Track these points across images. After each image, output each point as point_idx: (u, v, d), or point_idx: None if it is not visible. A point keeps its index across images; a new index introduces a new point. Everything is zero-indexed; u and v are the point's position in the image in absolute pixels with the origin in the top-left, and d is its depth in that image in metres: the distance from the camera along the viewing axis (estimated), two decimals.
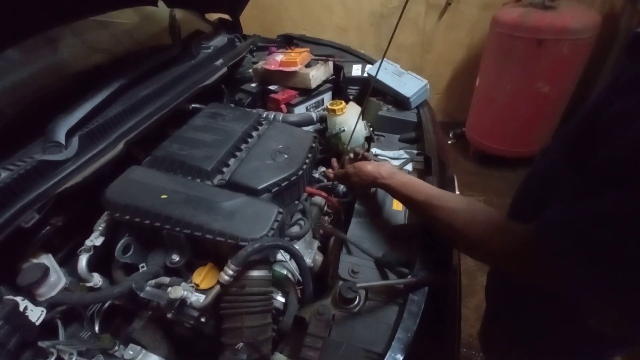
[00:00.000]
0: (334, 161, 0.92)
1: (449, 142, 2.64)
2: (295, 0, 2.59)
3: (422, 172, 0.85)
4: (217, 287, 0.59)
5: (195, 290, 0.65)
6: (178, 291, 0.59)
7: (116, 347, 0.67)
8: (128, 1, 1.04)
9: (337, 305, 0.55)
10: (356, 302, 0.55)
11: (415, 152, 0.95)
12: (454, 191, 0.92)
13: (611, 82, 0.44)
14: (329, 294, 0.58)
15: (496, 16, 1.87)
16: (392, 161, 0.91)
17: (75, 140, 0.71)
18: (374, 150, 0.93)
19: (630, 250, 0.32)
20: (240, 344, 0.55)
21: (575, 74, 1.80)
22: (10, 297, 0.62)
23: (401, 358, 0.46)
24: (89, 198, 0.78)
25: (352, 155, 0.89)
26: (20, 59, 0.83)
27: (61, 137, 0.72)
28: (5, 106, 0.74)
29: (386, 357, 0.45)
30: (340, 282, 0.58)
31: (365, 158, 0.84)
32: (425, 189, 0.60)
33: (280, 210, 0.70)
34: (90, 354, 0.66)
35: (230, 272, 0.58)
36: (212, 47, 1.16)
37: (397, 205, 0.78)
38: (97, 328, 0.72)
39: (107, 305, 0.75)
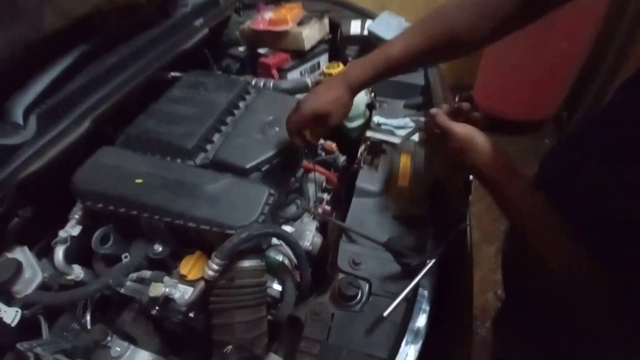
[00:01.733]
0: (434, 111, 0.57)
1: (455, 105, 2.49)
2: None
3: None
4: (202, 283, 0.53)
5: (182, 283, 0.59)
6: (158, 288, 0.53)
7: (109, 338, 0.62)
8: None
9: (336, 302, 0.49)
10: (358, 299, 0.48)
11: (422, 119, 0.85)
12: None
13: None
14: (328, 289, 0.51)
15: None
16: (396, 131, 0.81)
17: (32, 120, 0.62)
18: (375, 119, 0.83)
19: None
20: (229, 347, 0.49)
21: (591, 29, 1.63)
22: None
23: None
24: (63, 183, 0.70)
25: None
26: None
27: (18, 116, 0.63)
28: None
29: None
30: (340, 276, 0.51)
31: (473, 120, 0.57)
32: (536, 215, 0.44)
33: (272, 192, 0.62)
34: (77, 352, 0.61)
35: (215, 267, 0.51)
36: (190, 5, 1.02)
37: (403, 181, 0.69)
38: (89, 319, 0.67)
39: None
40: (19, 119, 0.63)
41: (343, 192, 0.92)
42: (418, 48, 0.53)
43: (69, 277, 0.67)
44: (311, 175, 0.88)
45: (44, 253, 0.71)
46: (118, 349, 0.61)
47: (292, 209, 0.79)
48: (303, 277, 0.61)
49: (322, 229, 0.82)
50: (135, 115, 0.76)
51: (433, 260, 0.47)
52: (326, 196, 0.88)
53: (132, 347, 0.62)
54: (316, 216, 0.74)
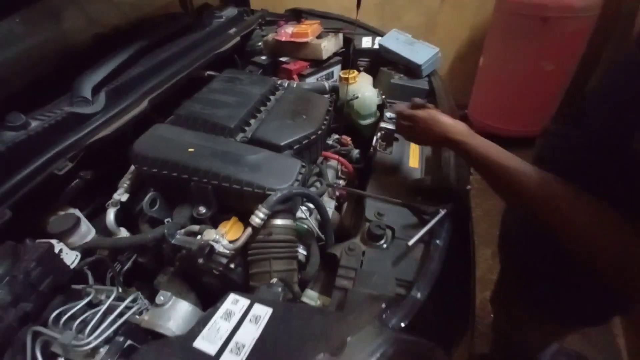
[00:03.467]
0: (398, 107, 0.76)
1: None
2: None
3: None
4: (249, 230, 0.62)
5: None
6: (210, 234, 0.61)
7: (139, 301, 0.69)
8: None
9: (365, 242, 0.58)
10: (384, 240, 0.58)
11: None
12: None
13: None
14: (357, 233, 0.61)
15: None
16: None
17: (102, 96, 0.73)
18: (388, 114, 0.95)
19: None
20: (275, 279, 0.57)
21: (579, 52, 1.83)
22: (43, 240, 0.64)
23: (429, 287, 0.49)
24: (111, 157, 0.80)
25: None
26: (43, 21, 0.84)
27: (87, 92, 0.74)
28: (32, 64, 0.75)
29: (416, 284, 0.48)
30: (367, 224, 0.61)
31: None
32: (514, 160, 0.53)
33: (303, 164, 0.73)
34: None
35: (262, 215, 0.60)
36: (224, 17, 1.16)
37: (413, 162, 0.80)
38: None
39: (127, 266, 0.76)
40: (88, 94, 0.74)
41: (356, 182, 1.03)
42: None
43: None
44: (330, 162, 0.98)
45: (90, 219, 0.80)
46: (162, 297, 0.68)
47: (313, 190, 0.89)
48: (328, 238, 0.70)
49: (340, 208, 0.91)
50: (177, 106, 0.87)
51: (444, 211, 0.57)
52: (342, 182, 0.99)
53: (174, 297, 0.69)
54: (336, 191, 0.83)
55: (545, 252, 0.63)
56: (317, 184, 0.92)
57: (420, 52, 1.07)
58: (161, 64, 0.87)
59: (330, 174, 0.97)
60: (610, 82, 0.55)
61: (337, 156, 0.97)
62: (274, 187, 0.66)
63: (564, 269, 0.62)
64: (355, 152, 1.04)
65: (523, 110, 2.00)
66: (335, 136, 1.09)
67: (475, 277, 0.69)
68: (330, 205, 0.87)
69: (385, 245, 0.57)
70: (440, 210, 0.57)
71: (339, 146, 1.05)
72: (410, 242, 0.52)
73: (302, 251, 0.75)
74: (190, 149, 0.71)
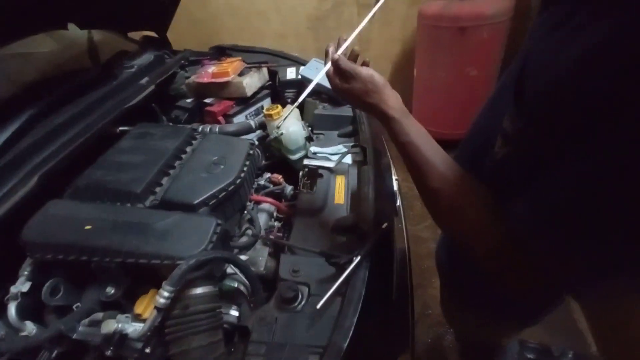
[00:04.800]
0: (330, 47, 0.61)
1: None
2: (229, 11, 2.56)
3: (361, 163, 0.87)
4: (154, 313, 0.56)
5: (136, 321, 0.61)
6: (110, 325, 0.55)
7: None
8: (34, 28, 0.96)
9: (279, 306, 0.54)
10: (298, 301, 0.54)
11: (351, 144, 0.97)
12: (391, 177, 0.94)
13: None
14: (272, 297, 0.57)
15: (421, 10, 1.97)
16: (331, 156, 0.92)
17: None
18: (312, 149, 0.93)
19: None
20: None
21: (497, 55, 1.95)
22: None
23: (344, 345, 0.46)
24: (11, 241, 0.71)
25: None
26: None
27: None
28: None
29: (329, 347, 0.45)
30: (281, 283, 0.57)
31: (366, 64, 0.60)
32: (437, 156, 0.50)
33: (219, 222, 0.68)
34: None
35: (166, 294, 0.55)
36: (135, 66, 1.11)
37: (339, 198, 0.78)
38: None
39: (54, 354, 0.68)
40: None
41: (294, 219, 1.00)
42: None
43: (22, 334, 0.66)
44: (262, 206, 0.95)
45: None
46: None
47: (244, 239, 0.85)
48: (256, 296, 0.66)
49: (276, 253, 0.87)
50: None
51: (359, 257, 0.55)
52: (277, 224, 0.95)
53: None
54: (266, 241, 0.80)
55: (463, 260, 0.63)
56: (249, 231, 0.87)
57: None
58: (57, 130, 0.80)
59: (263, 218, 0.93)
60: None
61: (268, 199, 0.93)
62: (184, 255, 0.61)
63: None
64: (289, 189, 1.01)
65: (456, 114, 2.10)
66: (267, 175, 1.06)
67: (414, 305, 0.67)
68: (263, 253, 0.83)
69: (299, 307, 0.54)
70: (354, 258, 0.54)
71: (271, 186, 1.02)
72: (319, 305, 0.49)
73: (233, 312, 0.70)
74: (88, 226, 0.64)
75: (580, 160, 0.31)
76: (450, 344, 1.37)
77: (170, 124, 1.23)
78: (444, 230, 0.53)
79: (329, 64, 0.58)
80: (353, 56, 0.62)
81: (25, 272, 0.69)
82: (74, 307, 0.67)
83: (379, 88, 0.55)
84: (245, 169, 0.83)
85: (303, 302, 0.54)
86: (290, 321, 0.52)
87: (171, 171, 0.80)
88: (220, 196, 0.75)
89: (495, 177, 0.46)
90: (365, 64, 0.59)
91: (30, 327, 0.67)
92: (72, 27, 1.12)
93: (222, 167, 0.81)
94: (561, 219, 0.33)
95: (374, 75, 0.55)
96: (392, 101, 0.54)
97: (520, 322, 0.72)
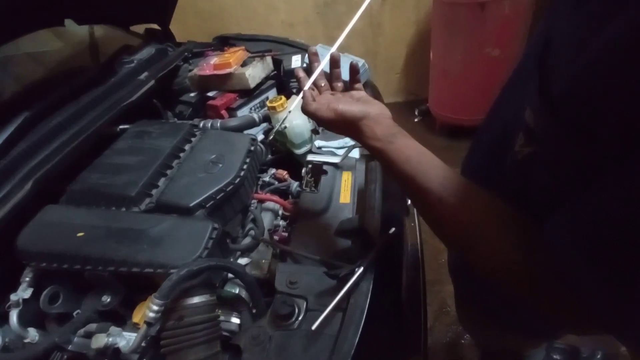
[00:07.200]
0: (299, 72, 0.63)
1: (415, 120, 2.62)
2: (236, 2, 2.49)
3: (369, 158, 0.81)
4: (144, 327, 0.53)
5: (134, 330, 0.59)
6: (99, 340, 0.52)
7: None
8: (30, 26, 0.94)
9: (274, 323, 0.50)
10: (294, 317, 0.49)
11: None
12: None
13: None
14: (267, 312, 0.52)
15: None
16: (337, 151, 0.86)
17: None
18: (316, 143, 0.87)
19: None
20: None
21: (521, 33, 1.79)
22: None
23: None
24: (9, 248, 0.70)
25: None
26: None
27: None
28: None
29: None
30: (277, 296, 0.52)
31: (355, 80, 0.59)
32: (436, 178, 0.41)
33: (215, 226, 0.64)
34: None
35: (155, 308, 0.51)
36: (135, 61, 1.07)
37: (344, 197, 0.72)
38: None
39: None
40: None
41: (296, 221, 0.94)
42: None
43: (26, 340, 0.66)
44: (266, 204, 0.90)
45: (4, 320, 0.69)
46: None
47: (247, 241, 0.81)
48: (256, 303, 0.62)
49: (281, 255, 0.83)
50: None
51: (361, 269, 0.49)
52: (282, 223, 0.90)
53: None
54: (267, 244, 0.75)
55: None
56: (252, 232, 0.83)
57: (345, 67, 1.00)
58: (52, 132, 0.77)
59: (267, 217, 0.88)
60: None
61: (272, 197, 0.89)
62: (178, 264, 0.57)
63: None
64: (295, 185, 0.96)
65: (476, 99, 1.96)
66: (273, 171, 1.01)
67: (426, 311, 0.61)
68: (267, 256, 0.78)
69: (296, 324, 0.49)
70: (356, 269, 0.49)
71: (276, 182, 0.97)
72: (314, 326, 0.44)
73: (234, 320, 0.66)
74: (80, 234, 0.62)
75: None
76: (469, 344, 1.31)
77: (175, 119, 1.20)
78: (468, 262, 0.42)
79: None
80: (336, 74, 0.62)
81: (27, 279, 0.68)
82: (74, 314, 0.66)
83: (353, 124, 0.49)
84: (245, 167, 0.78)
85: (300, 318, 0.50)
86: (285, 340, 0.48)
87: (168, 171, 0.77)
88: (218, 197, 0.71)
89: (517, 180, 0.38)
90: (354, 69, 0.59)
91: (33, 334, 0.66)
92: (71, 23, 1.10)
93: (220, 165, 0.76)
94: (617, 254, 0.25)
95: (344, 112, 0.50)
96: (370, 131, 0.48)
97: (548, 335, 0.65)
